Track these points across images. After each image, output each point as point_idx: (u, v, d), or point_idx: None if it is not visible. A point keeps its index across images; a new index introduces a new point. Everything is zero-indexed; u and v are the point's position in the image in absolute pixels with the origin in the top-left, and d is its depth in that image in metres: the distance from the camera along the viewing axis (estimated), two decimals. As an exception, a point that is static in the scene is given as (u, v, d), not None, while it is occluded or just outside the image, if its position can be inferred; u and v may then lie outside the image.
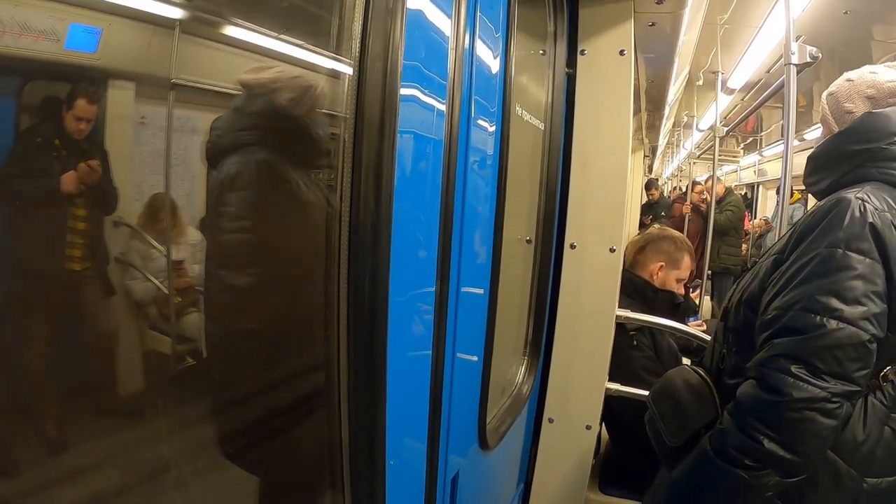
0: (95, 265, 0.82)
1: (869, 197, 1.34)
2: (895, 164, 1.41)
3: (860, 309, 1.27)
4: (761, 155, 11.85)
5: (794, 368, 1.26)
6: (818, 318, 1.27)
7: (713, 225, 6.37)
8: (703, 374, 1.59)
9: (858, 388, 1.28)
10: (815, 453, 1.30)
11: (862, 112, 1.49)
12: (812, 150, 1.60)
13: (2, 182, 0.71)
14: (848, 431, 1.33)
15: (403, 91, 0.97)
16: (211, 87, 0.93)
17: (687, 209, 8.26)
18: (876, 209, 1.32)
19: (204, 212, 0.96)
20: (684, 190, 11.30)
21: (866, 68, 1.55)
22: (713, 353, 1.64)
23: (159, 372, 0.92)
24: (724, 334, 1.60)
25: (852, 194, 1.35)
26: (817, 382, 1.25)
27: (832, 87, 1.59)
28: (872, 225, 1.30)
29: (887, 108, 1.46)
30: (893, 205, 1.35)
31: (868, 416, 1.35)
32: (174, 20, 0.83)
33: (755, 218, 10.67)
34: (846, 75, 1.57)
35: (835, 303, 1.27)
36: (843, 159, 1.47)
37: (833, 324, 1.26)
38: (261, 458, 1.09)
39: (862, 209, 1.32)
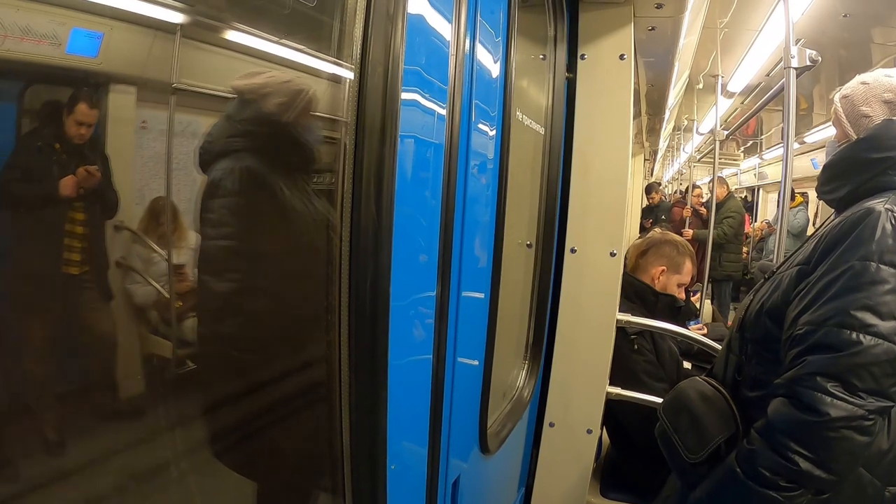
0: (96, 269, 0.82)
1: None
2: None
3: (894, 324, 1.24)
4: (762, 158, 11.84)
5: (830, 386, 1.23)
6: (853, 334, 1.24)
7: (715, 237, 6.33)
8: (717, 385, 1.56)
9: (892, 404, 1.26)
10: (848, 470, 1.28)
11: (880, 117, 1.47)
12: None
13: (2, 186, 0.71)
14: (873, 442, 1.29)
15: (404, 95, 0.97)
16: (212, 92, 0.93)
17: (688, 212, 8.25)
18: None
19: (204, 216, 0.96)
20: (683, 193, 11.29)
21: (881, 72, 1.53)
22: (727, 364, 1.60)
23: (159, 377, 0.92)
24: (741, 345, 1.56)
25: (881, 205, 1.32)
26: (855, 400, 1.22)
27: (846, 90, 1.56)
28: None
29: None
30: None
31: (892, 425, 1.33)
32: (176, 25, 0.83)
33: (756, 221, 10.66)
34: (860, 78, 1.55)
35: (870, 318, 1.24)
36: (863, 168, 1.44)
37: (869, 340, 1.23)
38: (262, 462, 1.09)
39: (894, 221, 1.29)
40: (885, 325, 1.24)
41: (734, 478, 1.35)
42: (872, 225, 1.30)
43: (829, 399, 1.23)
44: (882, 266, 1.27)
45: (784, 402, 1.30)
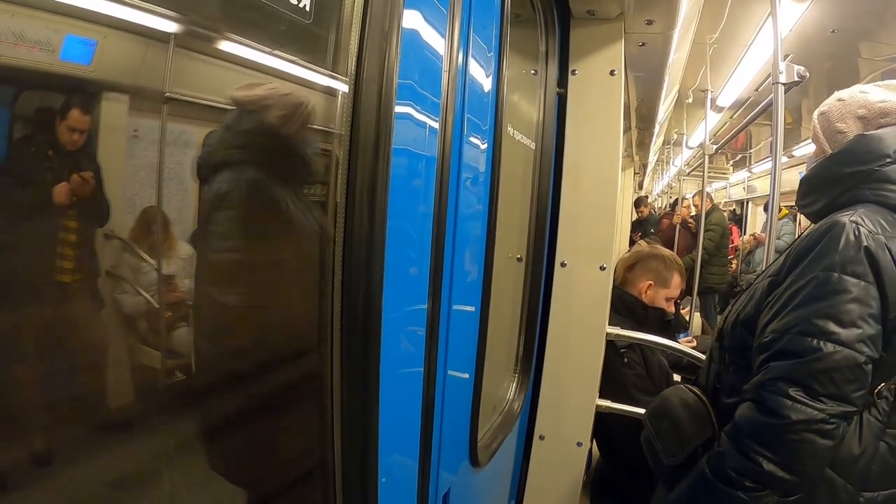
0: (86, 277, 0.81)
1: (863, 220, 1.36)
2: (888, 186, 1.42)
3: (856, 332, 1.28)
4: (750, 171, 11.95)
5: (791, 391, 1.28)
6: (815, 341, 1.29)
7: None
8: (699, 392, 1.60)
9: (855, 409, 1.30)
10: (813, 473, 1.31)
11: (853, 132, 1.50)
12: (802, 168, 1.61)
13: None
14: (844, 447, 1.34)
15: (398, 109, 0.98)
16: (205, 102, 0.93)
17: (678, 219, 8.29)
18: (870, 232, 1.34)
19: (196, 227, 0.96)
20: (672, 206, 11.36)
21: (857, 88, 1.56)
22: (709, 373, 1.65)
23: (149, 387, 0.92)
24: (720, 354, 1.61)
25: (847, 217, 1.36)
26: (815, 404, 1.26)
27: (823, 107, 1.59)
28: (867, 248, 1.32)
29: (879, 130, 1.47)
30: (887, 226, 1.37)
31: (863, 431, 1.37)
32: (170, 34, 0.83)
33: (744, 234, 10.73)
34: (837, 95, 1.58)
35: (831, 326, 1.29)
36: (837, 181, 1.48)
37: (830, 347, 1.28)
38: (252, 474, 1.08)
39: (856, 233, 1.33)
40: (846, 333, 1.29)
41: (704, 478, 1.40)
42: (837, 236, 1.35)
43: (790, 403, 1.28)
44: (844, 276, 1.31)
45: (750, 406, 1.36)
